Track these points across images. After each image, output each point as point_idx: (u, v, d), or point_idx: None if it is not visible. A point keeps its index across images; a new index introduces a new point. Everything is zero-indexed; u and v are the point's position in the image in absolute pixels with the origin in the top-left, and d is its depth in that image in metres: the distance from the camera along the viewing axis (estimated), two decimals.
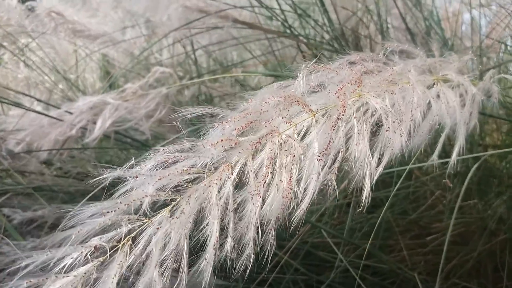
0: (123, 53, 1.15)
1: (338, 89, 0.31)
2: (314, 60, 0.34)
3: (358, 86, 0.32)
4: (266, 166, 0.27)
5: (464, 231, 1.16)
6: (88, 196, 0.53)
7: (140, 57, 1.11)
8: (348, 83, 0.32)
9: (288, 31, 1.00)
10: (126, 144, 0.98)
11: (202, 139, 0.31)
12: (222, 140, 0.28)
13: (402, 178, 0.53)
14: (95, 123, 0.88)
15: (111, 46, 1.18)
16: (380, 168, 0.33)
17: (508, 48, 1.65)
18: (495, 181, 1.11)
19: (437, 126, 0.36)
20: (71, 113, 0.89)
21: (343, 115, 0.29)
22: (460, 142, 0.36)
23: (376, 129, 0.35)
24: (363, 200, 0.30)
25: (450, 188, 0.83)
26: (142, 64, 1.19)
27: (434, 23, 1.41)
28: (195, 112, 0.32)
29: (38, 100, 1.09)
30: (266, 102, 0.29)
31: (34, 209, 0.94)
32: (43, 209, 1.02)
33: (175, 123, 0.33)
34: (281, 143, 0.27)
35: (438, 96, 0.39)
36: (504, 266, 0.96)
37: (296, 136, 0.28)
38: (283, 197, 0.27)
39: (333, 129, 0.28)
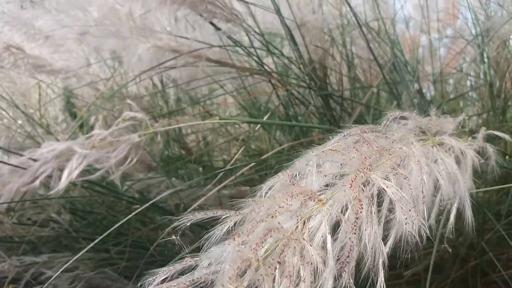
0: (89, 88, 1.10)
1: (351, 181, 0.29)
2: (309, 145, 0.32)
3: (369, 171, 0.30)
4: None
5: (439, 259, 1.18)
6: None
7: (107, 92, 1.06)
8: (360, 171, 0.30)
9: (261, 68, 0.99)
10: (94, 192, 0.94)
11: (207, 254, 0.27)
12: (238, 266, 0.24)
13: None
14: (60, 170, 0.83)
15: (75, 81, 1.13)
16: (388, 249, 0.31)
17: (466, 75, 1.72)
18: None
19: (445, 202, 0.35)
20: (34, 160, 0.83)
21: (361, 211, 0.27)
22: (468, 214, 0.34)
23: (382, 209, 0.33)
24: None
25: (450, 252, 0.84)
26: (108, 99, 1.15)
27: (398, 51, 1.44)
28: (195, 219, 0.28)
29: None
30: (280, 206, 0.27)
31: None
32: (3, 262, 0.94)
33: (173, 236, 0.29)
34: (301, 254, 0.24)
35: (436, 162, 0.38)
36: None
37: (312, 243, 0.25)
38: None
39: (354, 231, 0.26)
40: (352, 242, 0.25)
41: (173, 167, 1.11)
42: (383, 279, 0.30)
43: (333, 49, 1.38)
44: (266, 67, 1.01)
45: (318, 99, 1.07)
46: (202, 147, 1.28)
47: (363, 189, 0.29)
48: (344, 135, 0.36)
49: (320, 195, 0.28)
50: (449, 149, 0.41)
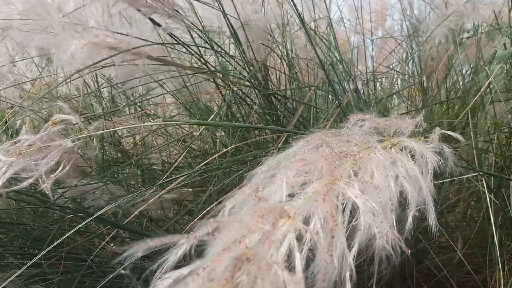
0: (13, 88, 1.00)
1: (324, 195, 0.27)
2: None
3: (339, 181, 0.29)
4: None
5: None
6: None
7: (35, 93, 0.97)
8: (331, 183, 0.29)
9: (204, 66, 0.95)
10: (21, 202, 0.85)
11: None
12: None
13: None
14: None
15: None
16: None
17: (398, 73, 1.81)
18: None
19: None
20: None
21: (335, 229, 0.25)
22: (431, 217, 0.34)
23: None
24: None
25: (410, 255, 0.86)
26: (36, 100, 1.05)
27: (336, 51, 1.47)
28: (146, 247, 0.24)
29: None
30: (250, 230, 0.24)
31: None
32: None
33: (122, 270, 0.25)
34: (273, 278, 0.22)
35: (398, 166, 0.38)
36: None
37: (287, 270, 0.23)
38: None
39: (330, 253, 0.24)
40: (328, 264, 0.24)
41: (110, 172, 1.04)
42: None
43: (273, 48, 1.38)
44: (209, 66, 0.98)
45: (261, 99, 1.05)
46: (140, 149, 1.21)
47: (337, 205, 0.27)
48: (307, 140, 0.35)
49: (289, 211, 0.26)
50: (409, 151, 0.40)
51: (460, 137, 0.45)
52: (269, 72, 1.30)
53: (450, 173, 0.37)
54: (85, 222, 0.66)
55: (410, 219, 0.35)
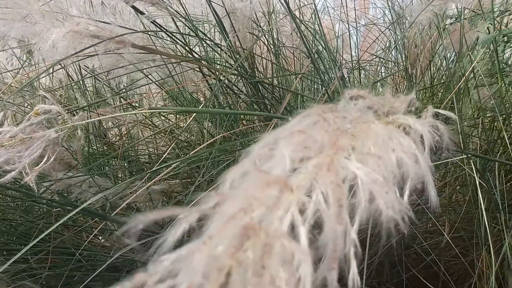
0: None
1: (329, 165, 0.27)
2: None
3: (343, 152, 0.28)
4: None
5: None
6: None
7: (16, 85, 0.94)
8: (334, 153, 0.28)
9: (189, 55, 0.94)
10: (5, 196, 0.83)
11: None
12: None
13: None
14: None
15: None
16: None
17: (383, 61, 1.82)
18: None
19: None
20: None
21: (343, 195, 0.25)
22: (431, 193, 0.34)
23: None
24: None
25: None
26: (17, 92, 1.02)
27: (322, 40, 1.47)
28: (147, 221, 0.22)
29: None
30: (254, 197, 0.23)
31: None
32: None
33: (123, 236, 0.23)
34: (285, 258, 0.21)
35: (397, 142, 0.37)
36: None
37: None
38: None
39: (340, 222, 0.24)
40: (338, 233, 0.23)
41: (96, 164, 1.02)
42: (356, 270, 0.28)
43: (260, 37, 1.37)
44: (194, 55, 0.96)
45: (248, 87, 1.04)
46: (126, 141, 1.19)
47: (341, 175, 0.27)
48: (303, 116, 0.34)
49: (292, 183, 0.26)
50: (405, 128, 0.40)
51: (452, 115, 0.44)
52: (256, 61, 1.29)
53: (445, 149, 0.37)
54: (72, 213, 0.65)
55: (407, 192, 0.35)
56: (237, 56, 1.00)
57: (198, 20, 1.30)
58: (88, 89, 1.14)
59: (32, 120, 0.74)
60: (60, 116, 0.79)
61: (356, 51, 1.83)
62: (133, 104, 1.14)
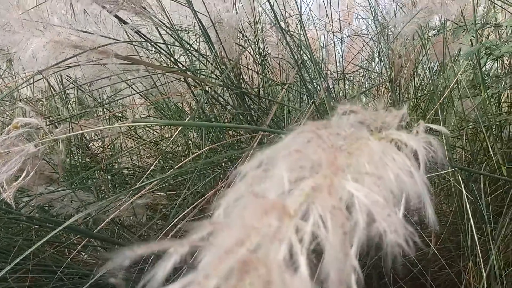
0: None
1: (329, 187, 0.25)
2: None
3: (342, 172, 0.27)
4: None
5: None
6: None
7: None
8: (333, 174, 0.27)
9: (174, 65, 0.92)
10: None
11: None
12: None
13: None
14: None
15: None
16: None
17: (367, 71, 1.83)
18: None
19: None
20: None
21: (347, 220, 0.24)
22: (429, 212, 0.33)
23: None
24: None
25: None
26: None
27: (307, 50, 1.47)
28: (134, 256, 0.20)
29: None
30: (252, 227, 0.21)
31: None
32: None
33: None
34: None
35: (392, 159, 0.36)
36: None
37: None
38: None
39: (344, 249, 0.22)
40: (342, 263, 0.22)
41: (78, 177, 0.99)
42: None
43: (246, 47, 1.36)
44: (179, 65, 0.94)
45: (235, 98, 1.03)
46: (110, 153, 1.17)
47: (342, 198, 0.25)
48: (297, 133, 0.33)
49: (290, 207, 0.24)
50: (396, 143, 0.39)
51: (444, 130, 0.44)
52: (242, 71, 1.28)
53: (440, 165, 0.36)
54: (54, 232, 0.62)
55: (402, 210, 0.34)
56: (223, 67, 0.99)
57: (183, 29, 1.29)
58: (70, 99, 1.11)
59: (11, 134, 0.71)
60: (40, 128, 0.76)
61: (341, 61, 1.84)
62: (117, 115, 1.12)
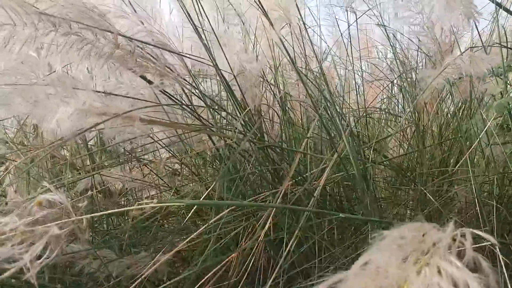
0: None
1: None
2: None
3: None
4: None
5: None
6: None
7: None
8: None
9: (200, 123, 0.91)
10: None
11: None
12: None
13: None
14: None
15: None
16: None
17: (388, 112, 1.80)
18: None
19: None
20: None
21: None
22: None
23: None
24: None
25: None
26: (22, 172, 0.99)
27: (327, 91, 1.45)
28: None
29: None
30: None
31: None
32: None
33: None
34: None
35: None
36: None
37: None
38: None
39: None
40: None
41: (103, 239, 0.98)
42: None
43: (266, 92, 1.35)
44: (204, 122, 0.93)
45: (258, 153, 1.02)
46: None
47: None
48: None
49: None
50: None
51: (491, 238, 0.41)
52: (263, 117, 1.27)
53: None
54: None
55: None
56: (246, 121, 0.98)
57: (203, 76, 1.29)
58: (94, 151, 1.11)
59: (34, 212, 0.70)
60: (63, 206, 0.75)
61: (363, 99, 1.82)
62: (142, 169, 1.11)
